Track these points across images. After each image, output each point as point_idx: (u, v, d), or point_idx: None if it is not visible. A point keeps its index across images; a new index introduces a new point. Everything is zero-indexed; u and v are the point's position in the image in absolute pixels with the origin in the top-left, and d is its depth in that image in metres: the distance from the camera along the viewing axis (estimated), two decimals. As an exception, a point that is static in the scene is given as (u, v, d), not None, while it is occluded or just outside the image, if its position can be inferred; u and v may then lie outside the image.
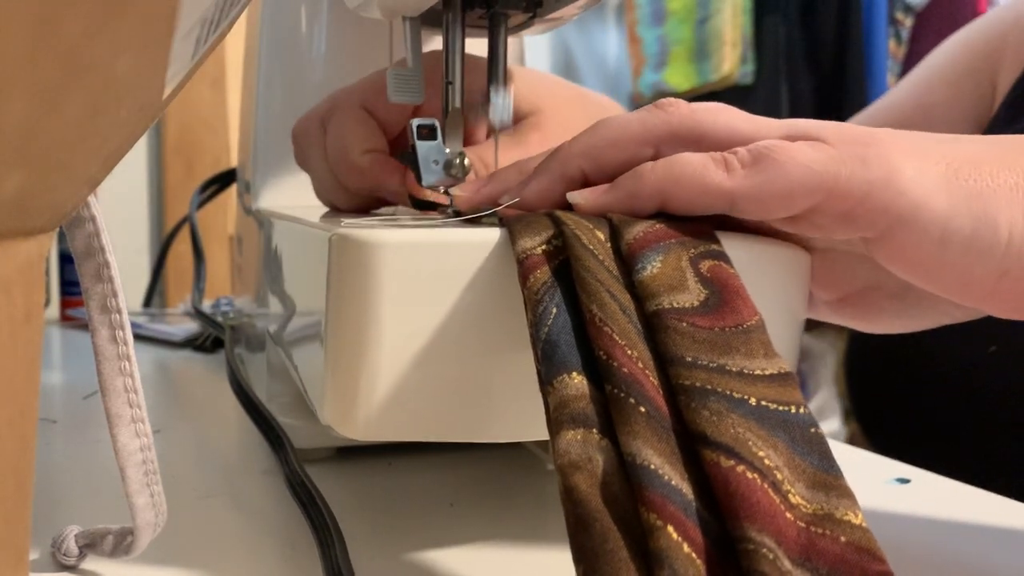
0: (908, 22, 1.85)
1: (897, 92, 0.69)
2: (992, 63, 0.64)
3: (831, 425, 1.90)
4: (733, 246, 0.32)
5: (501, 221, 0.32)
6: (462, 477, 0.43)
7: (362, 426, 0.30)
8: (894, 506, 0.40)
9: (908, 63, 1.85)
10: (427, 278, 0.29)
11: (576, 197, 0.32)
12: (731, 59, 1.90)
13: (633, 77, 2.11)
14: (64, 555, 0.31)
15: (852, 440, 0.68)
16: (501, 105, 0.41)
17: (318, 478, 0.34)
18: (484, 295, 0.29)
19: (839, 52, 1.84)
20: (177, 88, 0.22)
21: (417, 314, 0.29)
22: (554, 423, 0.24)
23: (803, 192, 0.29)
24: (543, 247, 0.29)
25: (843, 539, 0.22)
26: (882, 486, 0.43)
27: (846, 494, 0.23)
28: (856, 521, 0.22)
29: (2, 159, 0.17)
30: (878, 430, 0.65)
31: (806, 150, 0.30)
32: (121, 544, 0.30)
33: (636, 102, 2.11)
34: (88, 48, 0.17)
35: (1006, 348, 0.54)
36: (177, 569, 0.32)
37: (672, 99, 0.33)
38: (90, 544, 0.31)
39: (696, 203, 0.31)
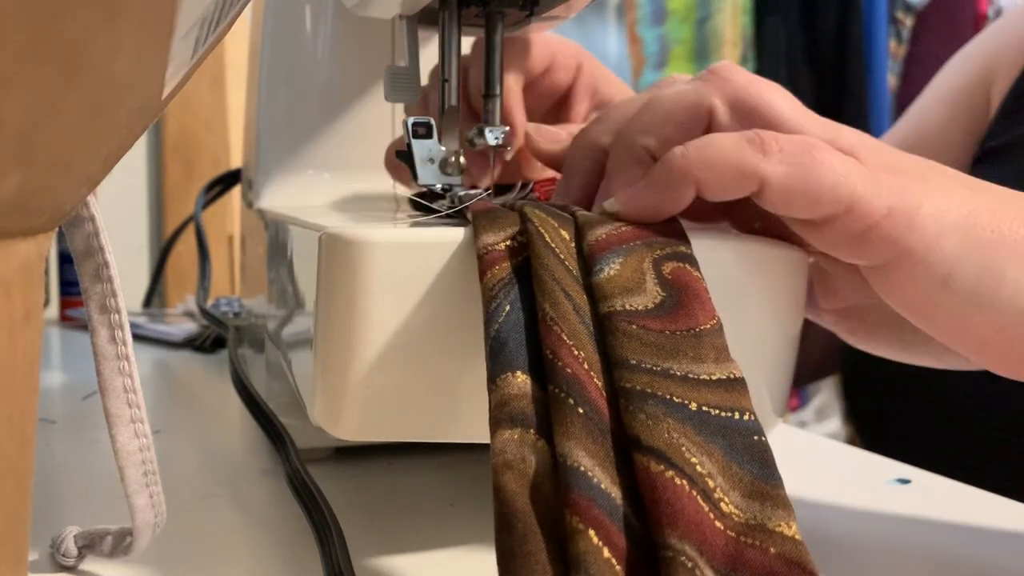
0: (908, 22, 1.85)
1: (903, 119, 0.71)
2: (988, 75, 0.64)
3: (831, 425, 1.90)
4: (732, 247, 0.32)
5: (468, 215, 0.32)
6: (462, 477, 0.43)
7: (352, 426, 0.30)
8: (894, 506, 0.40)
9: (908, 63, 1.85)
10: (416, 277, 0.29)
11: (615, 206, 0.32)
12: (731, 59, 1.90)
13: (633, 77, 2.11)
14: (63, 556, 0.31)
15: (852, 441, 0.68)
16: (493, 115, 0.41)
17: (317, 478, 0.34)
18: (474, 294, 0.29)
19: (839, 52, 1.84)
20: (176, 88, 0.22)
21: (407, 313, 0.29)
22: (493, 421, 0.24)
23: (830, 198, 0.29)
24: (507, 242, 0.29)
25: (773, 550, 0.22)
26: (882, 486, 0.43)
27: (782, 504, 0.23)
28: (789, 532, 0.22)
29: (2, 159, 0.17)
30: (875, 437, 0.65)
31: (843, 160, 0.30)
32: (120, 545, 0.30)
33: (636, 102, 2.11)
34: (88, 48, 0.17)
35: None
36: (176, 569, 0.32)
37: (727, 65, 0.33)
38: (89, 545, 0.31)
39: (730, 186, 0.30)
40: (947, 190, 0.31)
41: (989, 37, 0.67)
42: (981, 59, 0.65)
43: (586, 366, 0.25)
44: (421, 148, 0.40)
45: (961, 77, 0.66)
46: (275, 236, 0.46)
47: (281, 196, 0.52)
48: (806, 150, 0.30)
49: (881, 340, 0.37)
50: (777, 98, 0.32)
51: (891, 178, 0.30)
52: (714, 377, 0.25)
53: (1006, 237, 0.30)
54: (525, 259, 0.28)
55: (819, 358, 0.68)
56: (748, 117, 0.32)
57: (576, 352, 0.25)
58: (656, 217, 0.31)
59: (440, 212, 0.35)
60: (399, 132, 0.50)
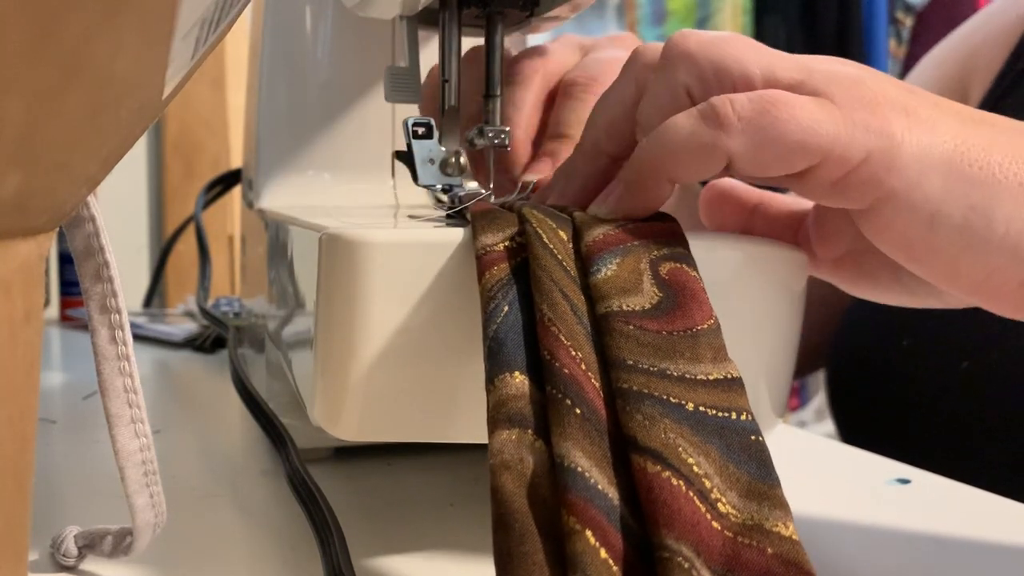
0: (908, 22, 1.85)
1: None
2: (964, 76, 0.63)
3: (831, 425, 1.90)
4: (731, 247, 0.32)
5: (467, 216, 0.32)
6: (462, 477, 0.43)
7: (352, 426, 0.30)
8: (894, 506, 0.40)
9: (908, 63, 1.85)
10: (416, 277, 0.29)
11: (600, 212, 0.31)
12: (731, 59, 1.90)
13: (633, 77, 2.11)
14: (63, 556, 0.31)
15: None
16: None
17: (317, 478, 0.34)
18: (474, 295, 0.29)
19: (839, 52, 1.84)
20: (177, 88, 0.22)
21: (407, 313, 0.29)
22: (491, 422, 0.24)
23: (800, 153, 0.28)
24: (505, 243, 0.29)
25: (770, 550, 0.22)
26: (882, 486, 0.43)
27: (779, 504, 0.23)
28: (786, 533, 0.22)
29: (2, 159, 0.17)
30: (859, 445, 0.65)
31: (810, 109, 0.28)
32: (120, 544, 0.30)
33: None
34: (88, 48, 0.17)
35: (978, 364, 0.54)
36: (176, 569, 0.32)
37: (676, 40, 0.31)
38: (89, 545, 0.31)
39: (697, 168, 0.29)
40: (934, 123, 0.29)
41: (960, 40, 0.66)
42: (953, 65, 0.65)
43: (584, 367, 0.25)
44: (421, 148, 0.40)
45: (933, 82, 0.65)
46: (275, 236, 0.46)
47: (281, 196, 0.52)
48: (766, 110, 0.28)
49: (880, 285, 0.35)
50: (734, 53, 0.30)
51: (868, 116, 0.29)
52: (711, 377, 0.25)
53: (996, 175, 0.29)
54: (524, 260, 0.28)
55: (813, 349, 0.67)
56: (718, 85, 0.30)
57: (574, 353, 0.25)
58: (645, 214, 0.31)
59: (438, 212, 0.35)
60: (399, 132, 0.50)
